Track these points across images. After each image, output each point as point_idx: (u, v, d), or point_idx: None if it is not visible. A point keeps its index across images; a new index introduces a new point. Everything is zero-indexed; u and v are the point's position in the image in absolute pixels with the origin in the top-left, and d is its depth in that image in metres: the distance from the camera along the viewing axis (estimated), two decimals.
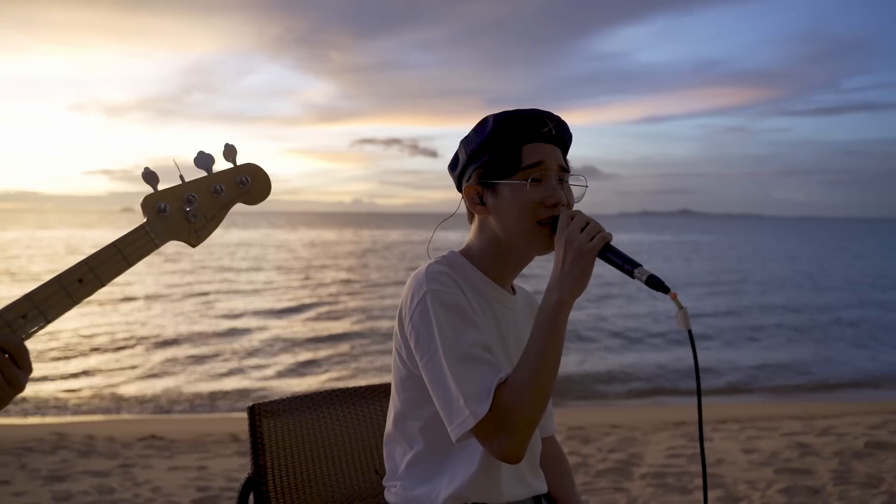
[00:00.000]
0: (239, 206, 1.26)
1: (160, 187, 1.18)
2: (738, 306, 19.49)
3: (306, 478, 1.73)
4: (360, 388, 1.87)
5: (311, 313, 17.54)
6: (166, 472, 5.15)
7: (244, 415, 1.72)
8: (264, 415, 1.69)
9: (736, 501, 4.31)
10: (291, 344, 13.37)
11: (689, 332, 1.30)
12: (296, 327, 15.50)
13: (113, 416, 8.58)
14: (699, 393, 1.33)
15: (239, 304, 18.94)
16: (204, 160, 1.19)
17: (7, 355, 1.03)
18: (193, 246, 1.19)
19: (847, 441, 5.64)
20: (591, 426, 6.92)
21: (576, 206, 1.47)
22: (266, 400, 1.73)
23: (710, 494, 4.45)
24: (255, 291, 22.15)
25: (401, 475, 1.50)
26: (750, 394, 9.70)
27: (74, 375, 10.74)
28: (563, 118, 1.50)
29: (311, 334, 14.47)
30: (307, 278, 26.64)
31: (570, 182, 1.49)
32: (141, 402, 9.26)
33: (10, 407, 9.02)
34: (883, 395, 9.55)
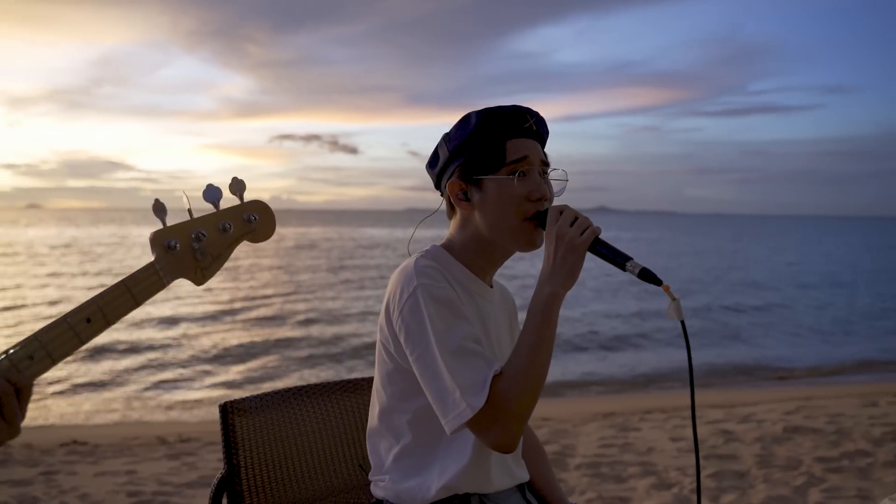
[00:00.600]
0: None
1: (169, 221, 1.10)
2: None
3: (281, 476, 1.70)
4: (331, 383, 1.84)
5: (244, 316, 16.97)
6: (93, 477, 4.95)
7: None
8: (237, 413, 1.64)
9: (669, 487, 4.47)
10: (218, 351, 12.98)
11: (682, 322, 1.34)
12: (230, 332, 14.97)
13: (28, 423, 8.17)
14: (692, 385, 1.37)
15: (166, 308, 18.26)
16: (212, 194, 1.14)
17: (14, 389, 0.98)
18: (198, 285, 1.14)
19: (766, 427, 5.92)
20: (559, 418, 7.01)
21: (556, 200, 1.50)
22: (237, 398, 1.69)
23: (644, 482, 4.59)
24: (178, 297, 21.35)
25: (388, 469, 1.50)
26: (672, 384, 10.02)
27: None
28: None
29: (247, 339, 14.01)
30: (235, 280, 25.59)
31: (551, 176, 1.52)
32: (61, 409, 8.85)
33: None
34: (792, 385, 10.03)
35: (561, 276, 1.36)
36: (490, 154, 1.45)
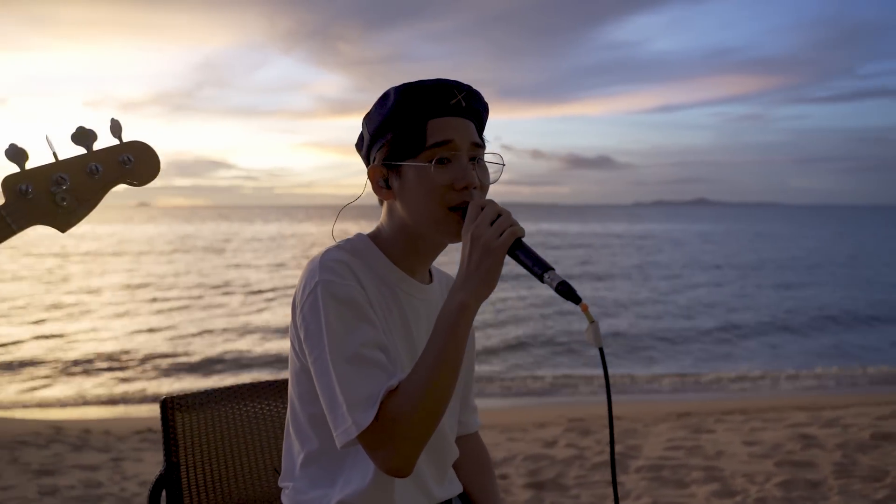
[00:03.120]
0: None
1: (29, 166, 1.08)
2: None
3: (221, 475, 1.63)
4: (280, 381, 1.76)
5: None
6: (156, 465, 5.10)
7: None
8: (177, 409, 1.59)
9: (732, 495, 4.18)
10: None
11: (601, 350, 1.17)
12: None
13: (110, 409, 8.54)
14: (610, 415, 1.21)
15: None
16: (82, 137, 1.08)
17: None
18: (63, 231, 1.08)
19: (853, 432, 5.48)
20: (591, 418, 6.79)
21: (492, 188, 1.34)
22: (180, 393, 1.63)
23: (707, 488, 4.32)
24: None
25: (296, 476, 1.39)
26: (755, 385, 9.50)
27: (76, 364, 10.77)
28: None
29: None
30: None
31: (487, 160, 1.36)
32: (142, 396, 9.24)
33: (11, 399, 9.06)
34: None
35: (474, 283, 1.20)
36: (409, 136, 1.30)
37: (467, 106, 1.33)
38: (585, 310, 1.14)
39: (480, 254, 1.20)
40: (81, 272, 26.20)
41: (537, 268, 1.19)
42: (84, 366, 10.86)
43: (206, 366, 10.99)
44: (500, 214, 1.22)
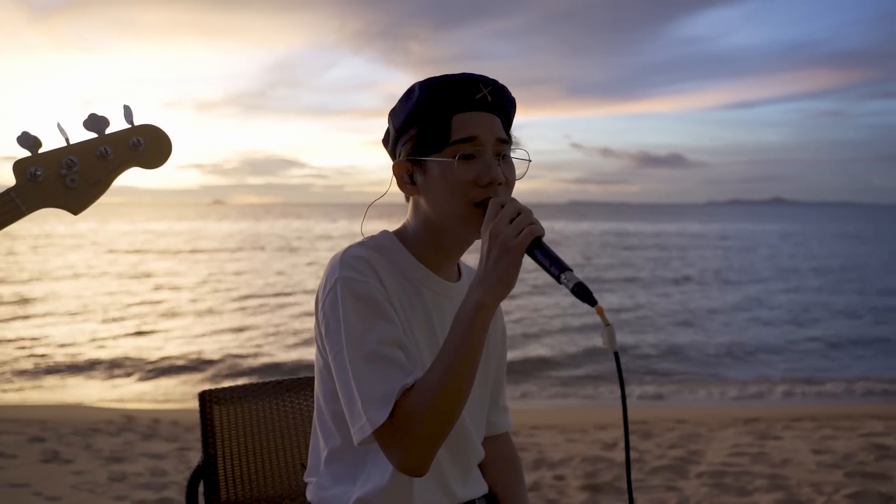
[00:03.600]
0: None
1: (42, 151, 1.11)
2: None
3: (255, 467, 1.67)
4: (312, 378, 1.78)
5: None
6: None
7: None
8: (215, 402, 1.63)
9: None
10: None
11: (616, 354, 1.14)
12: None
13: (179, 404, 8.81)
14: (625, 420, 1.17)
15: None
16: (95, 123, 1.11)
17: None
18: (75, 213, 1.12)
19: None
20: (654, 420, 6.66)
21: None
22: (217, 387, 1.67)
23: (771, 496, 4.18)
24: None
25: (320, 472, 1.40)
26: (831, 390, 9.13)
27: (153, 360, 11.16)
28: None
29: None
30: None
31: (514, 156, 1.34)
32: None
33: (86, 391, 9.45)
34: None
35: (491, 282, 1.18)
36: (434, 131, 1.29)
37: (493, 101, 1.32)
38: (601, 313, 1.11)
39: (498, 252, 1.18)
40: (160, 269, 27.13)
41: (555, 268, 1.16)
42: (160, 362, 11.23)
43: (273, 368, 11.09)
44: (519, 213, 1.20)
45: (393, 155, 1.39)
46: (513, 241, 1.17)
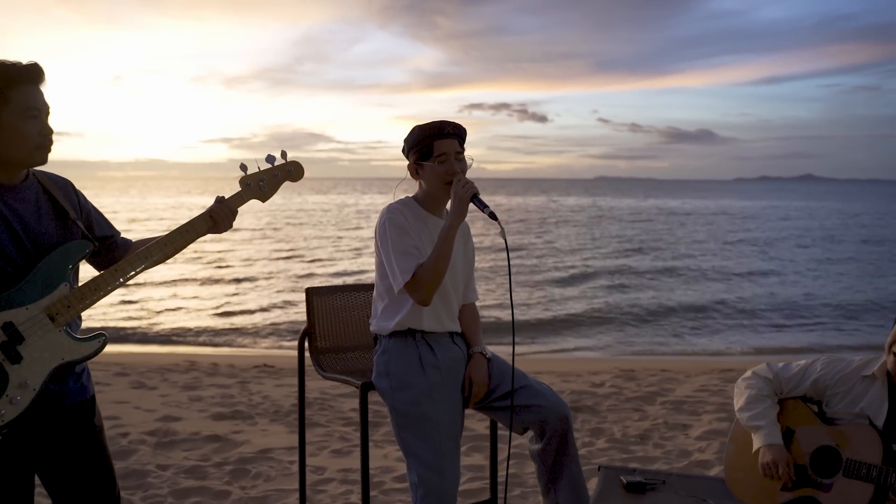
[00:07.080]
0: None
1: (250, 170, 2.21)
2: None
3: (337, 331, 2.86)
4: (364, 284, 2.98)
5: None
6: (274, 387, 6.42)
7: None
8: (315, 294, 2.82)
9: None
10: None
11: (502, 227, 2.37)
12: None
13: (229, 349, 10.07)
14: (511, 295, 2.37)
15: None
16: (271, 159, 2.20)
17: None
18: (263, 202, 2.20)
19: None
20: (641, 370, 7.71)
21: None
22: (316, 286, 2.85)
23: (715, 416, 5.22)
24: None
25: (377, 315, 2.64)
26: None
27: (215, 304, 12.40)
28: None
29: None
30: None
31: (466, 154, 2.62)
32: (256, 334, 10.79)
33: (153, 335, 10.74)
34: None
35: (455, 214, 2.46)
36: (425, 150, 2.55)
37: (453, 132, 2.56)
38: (500, 223, 2.38)
39: (457, 201, 2.44)
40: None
41: (482, 206, 2.41)
42: (231, 317, 12.52)
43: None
44: (466, 183, 2.43)
45: (407, 158, 2.61)
46: (463, 195, 2.41)
